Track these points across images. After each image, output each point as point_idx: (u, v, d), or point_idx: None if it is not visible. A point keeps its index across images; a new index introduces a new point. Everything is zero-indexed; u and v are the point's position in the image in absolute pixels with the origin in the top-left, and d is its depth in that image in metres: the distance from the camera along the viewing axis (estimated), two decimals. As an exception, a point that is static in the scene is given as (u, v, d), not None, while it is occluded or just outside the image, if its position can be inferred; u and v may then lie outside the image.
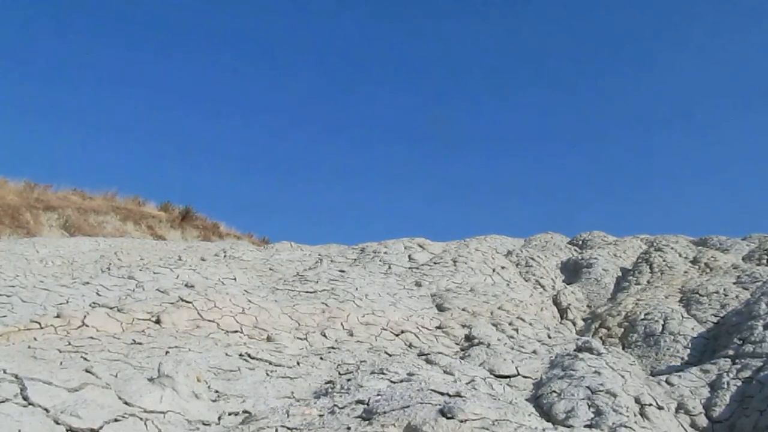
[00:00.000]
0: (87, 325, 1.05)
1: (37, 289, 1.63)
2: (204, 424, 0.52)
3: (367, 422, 0.54)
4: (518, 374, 1.55)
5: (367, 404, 0.64)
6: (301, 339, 1.63)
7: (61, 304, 1.63)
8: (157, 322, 1.43)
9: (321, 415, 0.59)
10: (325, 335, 1.86)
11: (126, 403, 0.58)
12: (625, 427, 0.92)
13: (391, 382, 0.82)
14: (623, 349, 2.60)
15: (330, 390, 0.66)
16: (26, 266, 2.86)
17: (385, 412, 0.52)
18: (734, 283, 3.33)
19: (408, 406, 0.59)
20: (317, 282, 2.84)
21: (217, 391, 0.65)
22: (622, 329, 2.91)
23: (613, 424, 0.96)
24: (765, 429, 1.12)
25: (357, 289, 2.82)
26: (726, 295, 3.02)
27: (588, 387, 1.20)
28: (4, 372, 0.45)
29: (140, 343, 1.06)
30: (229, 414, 0.59)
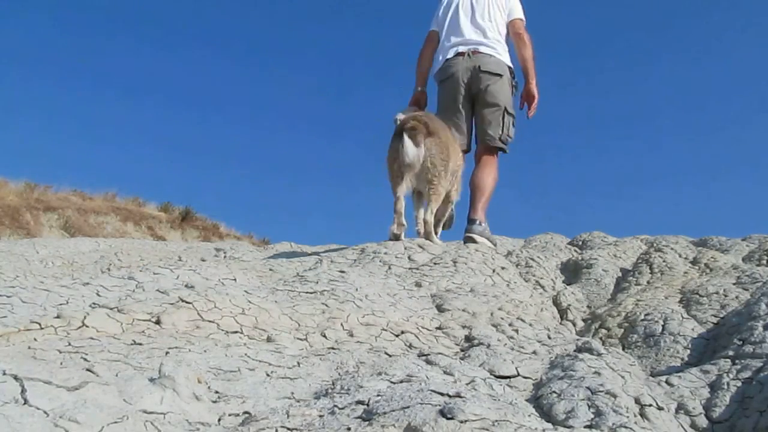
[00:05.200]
0: (87, 326, 1.05)
1: (37, 289, 1.63)
2: (204, 425, 0.52)
3: (367, 423, 0.54)
4: (518, 375, 1.55)
5: (367, 405, 0.64)
6: (301, 339, 1.63)
7: (61, 304, 1.64)
8: (157, 322, 1.44)
9: (321, 416, 0.59)
10: (325, 336, 1.86)
11: (126, 403, 0.58)
12: (625, 427, 0.92)
13: (391, 382, 0.82)
14: (623, 349, 2.60)
15: (330, 391, 0.66)
16: (26, 267, 2.86)
17: (385, 413, 0.52)
18: (734, 284, 3.32)
19: (408, 407, 0.59)
20: (317, 282, 2.84)
21: (217, 392, 0.66)
22: (622, 330, 2.90)
23: (613, 424, 0.96)
24: (765, 430, 1.12)
25: (357, 289, 2.81)
26: (726, 296, 3.02)
27: (588, 387, 1.20)
28: (4, 373, 0.45)
29: (140, 344, 1.07)
30: (229, 415, 0.59)
